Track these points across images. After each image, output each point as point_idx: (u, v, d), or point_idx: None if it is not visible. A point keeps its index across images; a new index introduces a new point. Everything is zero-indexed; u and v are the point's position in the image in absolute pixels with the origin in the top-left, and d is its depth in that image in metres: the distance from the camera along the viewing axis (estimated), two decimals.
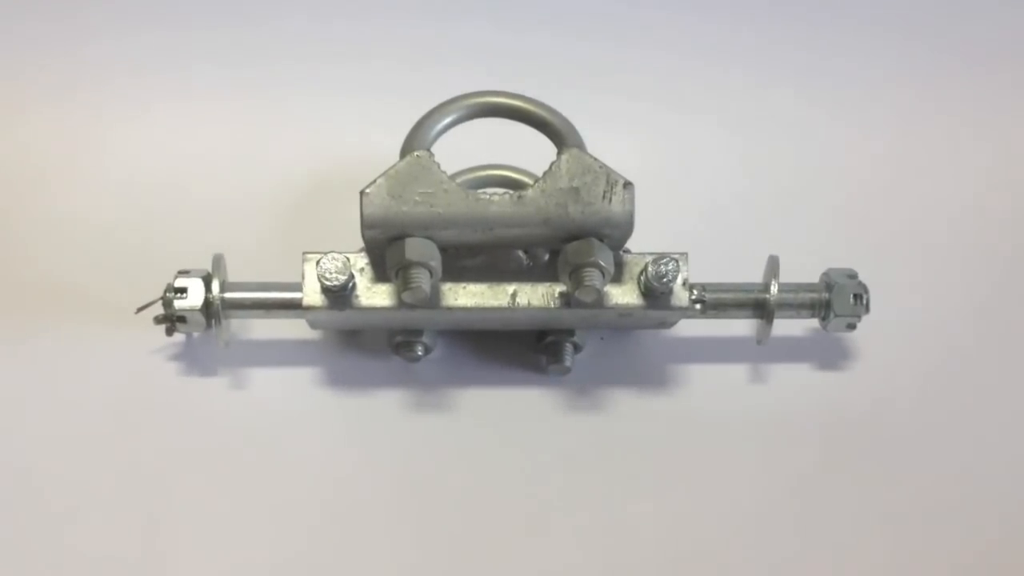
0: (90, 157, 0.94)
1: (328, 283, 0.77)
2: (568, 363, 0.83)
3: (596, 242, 0.77)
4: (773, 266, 0.83)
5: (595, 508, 0.81)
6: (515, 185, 0.86)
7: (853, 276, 0.84)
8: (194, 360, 0.84)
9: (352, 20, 1.00)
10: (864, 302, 0.83)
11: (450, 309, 0.79)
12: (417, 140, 0.79)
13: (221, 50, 0.99)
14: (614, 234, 0.78)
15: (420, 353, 0.84)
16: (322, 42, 1.00)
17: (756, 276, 0.84)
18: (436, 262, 0.76)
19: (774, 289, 0.82)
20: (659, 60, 1.01)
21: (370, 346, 0.85)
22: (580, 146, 0.79)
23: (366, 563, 0.78)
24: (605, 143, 0.82)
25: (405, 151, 0.79)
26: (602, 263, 0.77)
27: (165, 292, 0.80)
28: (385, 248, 0.78)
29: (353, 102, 0.98)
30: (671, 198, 0.93)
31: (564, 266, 0.77)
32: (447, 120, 0.81)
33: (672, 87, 1.00)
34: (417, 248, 0.76)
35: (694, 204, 0.94)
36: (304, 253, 0.79)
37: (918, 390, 0.87)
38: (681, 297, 0.80)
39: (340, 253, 0.78)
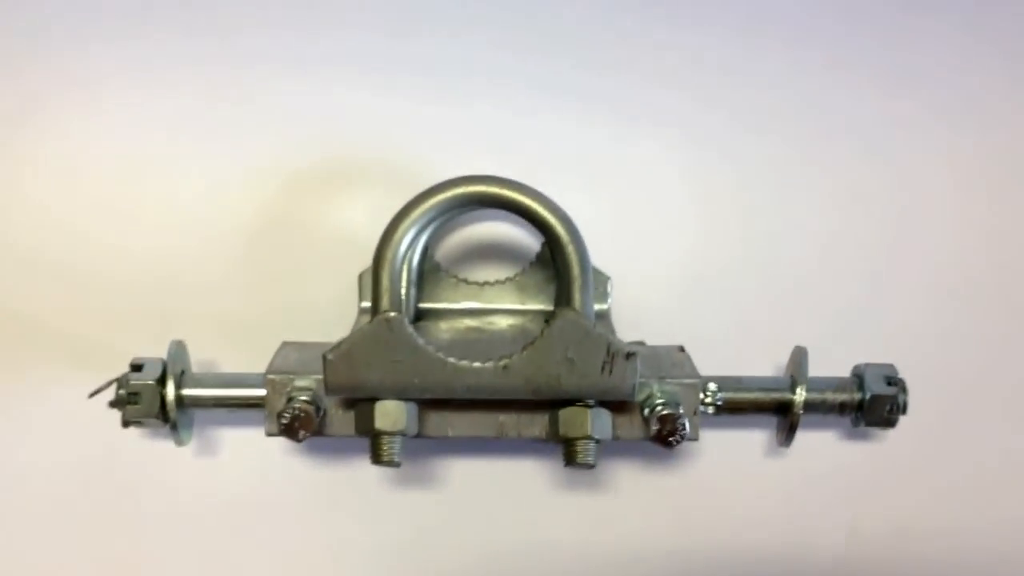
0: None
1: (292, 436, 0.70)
2: (592, 461, 0.69)
3: (591, 409, 0.69)
4: (799, 361, 0.73)
5: None
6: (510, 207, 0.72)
7: (891, 379, 0.74)
8: None
9: None
10: (901, 405, 0.74)
11: (430, 438, 0.72)
12: (386, 258, 0.68)
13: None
14: (613, 400, 0.68)
15: None
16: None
17: (765, 340, 0.77)
18: (411, 423, 0.69)
19: (801, 393, 0.73)
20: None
21: None
22: (582, 257, 0.68)
23: None
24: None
25: (376, 265, 0.68)
26: (597, 437, 0.69)
27: (117, 390, 0.72)
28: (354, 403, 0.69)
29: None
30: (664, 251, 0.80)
31: (554, 434, 0.69)
32: (418, 226, 0.69)
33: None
34: (388, 416, 0.69)
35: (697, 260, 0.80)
36: (266, 375, 0.70)
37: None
38: (693, 429, 0.71)
39: (306, 381, 0.70)
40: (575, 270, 0.68)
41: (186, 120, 0.76)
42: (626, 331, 0.75)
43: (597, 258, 0.71)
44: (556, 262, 0.69)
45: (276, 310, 0.76)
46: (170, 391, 0.72)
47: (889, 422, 0.74)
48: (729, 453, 0.79)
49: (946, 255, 0.78)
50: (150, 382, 0.72)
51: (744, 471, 0.79)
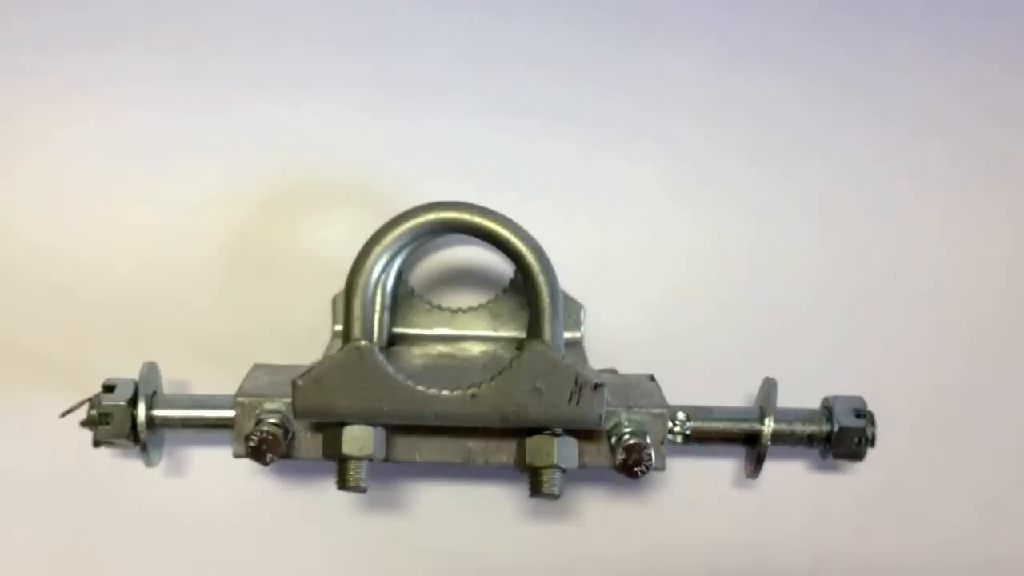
0: None
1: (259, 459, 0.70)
2: (557, 491, 0.69)
3: (558, 438, 0.69)
4: (768, 393, 0.74)
5: None
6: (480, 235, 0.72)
7: (860, 411, 0.74)
8: None
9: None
10: (870, 438, 0.74)
11: (398, 463, 0.72)
12: (358, 285, 0.68)
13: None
14: (580, 429, 0.69)
15: None
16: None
17: (739, 371, 0.77)
18: (379, 448, 0.69)
19: (769, 424, 0.73)
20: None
21: None
22: (552, 287, 0.68)
23: None
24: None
25: (348, 292, 0.68)
26: (563, 466, 0.69)
27: (89, 409, 0.73)
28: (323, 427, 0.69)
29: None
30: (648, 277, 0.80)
31: (521, 461, 0.70)
32: (390, 253, 0.69)
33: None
34: (356, 440, 0.69)
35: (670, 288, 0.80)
36: (236, 398, 0.70)
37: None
38: (659, 459, 0.71)
39: (275, 404, 0.70)
40: (545, 300, 0.68)
41: (160, 140, 0.77)
42: (599, 359, 0.75)
43: (571, 285, 0.72)
44: (527, 291, 0.69)
45: (250, 330, 0.76)
46: (141, 413, 0.73)
47: (857, 455, 0.74)
48: (697, 483, 0.79)
49: (920, 291, 0.79)
50: (122, 403, 0.72)
51: (712, 501, 0.79)
